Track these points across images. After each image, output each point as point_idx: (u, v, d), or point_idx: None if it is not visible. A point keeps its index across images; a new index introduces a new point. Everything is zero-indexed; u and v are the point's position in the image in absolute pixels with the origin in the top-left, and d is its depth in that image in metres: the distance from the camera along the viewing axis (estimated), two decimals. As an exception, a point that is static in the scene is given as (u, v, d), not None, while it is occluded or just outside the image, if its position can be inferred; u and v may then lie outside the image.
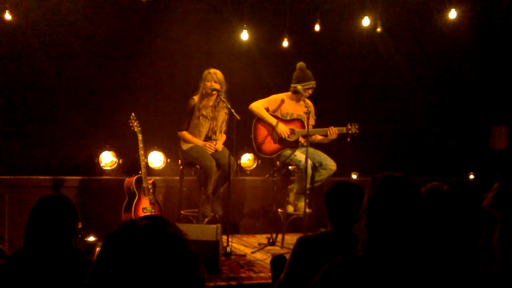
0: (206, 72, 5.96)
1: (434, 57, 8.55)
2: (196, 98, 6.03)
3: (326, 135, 6.14)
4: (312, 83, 6.08)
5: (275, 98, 6.28)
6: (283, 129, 6.11)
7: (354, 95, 8.19)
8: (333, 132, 6.10)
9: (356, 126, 6.17)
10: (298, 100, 6.19)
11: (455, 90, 8.67)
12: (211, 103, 6.01)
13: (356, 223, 2.69)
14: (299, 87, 6.02)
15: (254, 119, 6.22)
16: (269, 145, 6.19)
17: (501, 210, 2.80)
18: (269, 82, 7.28)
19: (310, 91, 6.11)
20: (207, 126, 6.04)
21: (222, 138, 6.17)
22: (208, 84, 5.90)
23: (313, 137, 6.21)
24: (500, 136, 8.61)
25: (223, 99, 5.79)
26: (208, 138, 6.08)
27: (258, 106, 6.19)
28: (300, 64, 6.15)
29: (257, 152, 6.24)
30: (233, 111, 5.59)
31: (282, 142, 6.16)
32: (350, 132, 6.17)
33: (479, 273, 2.60)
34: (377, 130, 8.12)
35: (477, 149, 8.59)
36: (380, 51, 8.16)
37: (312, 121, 6.20)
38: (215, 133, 6.09)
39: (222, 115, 6.07)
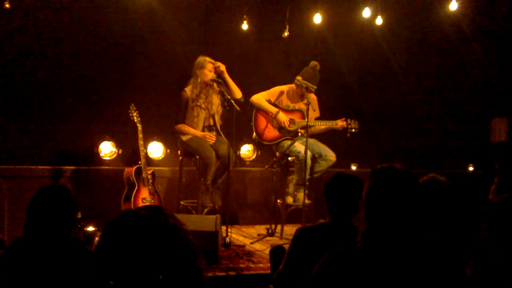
0: (202, 60, 5.93)
1: (435, 48, 8.53)
2: (187, 89, 6.00)
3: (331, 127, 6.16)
4: (311, 86, 6.09)
5: (277, 90, 6.28)
6: (283, 118, 6.12)
7: (354, 85, 8.17)
8: (340, 125, 6.12)
9: (356, 123, 6.18)
10: (301, 94, 6.15)
11: (455, 81, 8.66)
12: (203, 92, 5.97)
13: (355, 215, 2.69)
14: (299, 77, 6.02)
15: (254, 108, 6.22)
16: (269, 132, 6.20)
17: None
18: (269, 72, 7.25)
19: (310, 93, 6.14)
20: (204, 115, 6.02)
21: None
22: (209, 73, 5.88)
23: (316, 127, 6.23)
24: (500, 128, 8.60)
25: (222, 89, 5.77)
26: (208, 128, 6.06)
27: (259, 98, 6.20)
28: (314, 63, 6.12)
29: (258, 138, 6.25)
30: (232, 101, 5.57)
31: (282, 131, 6.17)
32: (349, 127, 6.18)
33: (478, 265, 2.60)
34: (377, 121, 8.12)
35: (477, 141, 8.59)
36: (381, 42, 8.13)
37: (315, 114, 6.20)
38: (213, 116, 6.07)
39: (216, 100, 6.05)
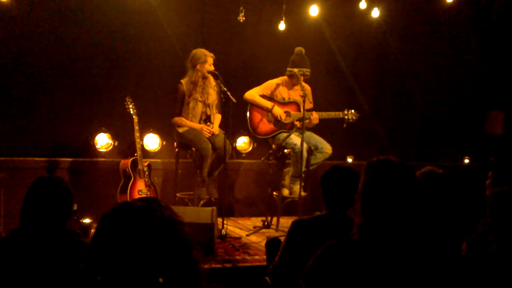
0: (202, 54, 5.90)
1: (431, 41, 8.53)
2: (184, 82, 5.99)
3: (309, 119, 6.11)
4: (306, 71, 6.06)
5: (270, 83, 6.27)
6: (278, 112, 6.12)
7: (350, 78, 8.17)
8: (314, 118, 6.09)
9: (353, 113, 6.17)
10: (294, 85, 6.18)
11: (451, 74, 8.66)
12: (199, 84, 5.97)
13: (351, 207, 2.70)
14: (295, 70, 6.01)
15: (249, 104, 6.22)
16: (265, 126, 6.21)
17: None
18: (265, 65, 7.23)
19: (301, 78, 6.09)
20: (200, 107, 6.02)
21: (217, 119, 6.16)
22: (209, 67, 5.88)
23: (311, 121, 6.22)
24: (496, 121, 8.62)
25: (219, 81, 5.75)
26: (206, 121, 6.06)
27: (253, 94, 6.20)
28: (298, 48, 6.12)
29: (253, 133, 6.26)
30: (229, 94, 5.56)
31: (277, 124, 6.18)
32: (346, 117, 6.17)
33: (475, 258, 2.61)
34: (373, 113, 8.12)
35: (472, 133, 8.60)
36: (378, 35, 8.12)
37: (309, 105, 6.18)
38: (209, 106, 6.05)
39: (213, 92, 6.04)
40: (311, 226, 3.16)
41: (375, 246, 2.06)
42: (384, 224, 2.07)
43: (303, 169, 5.94)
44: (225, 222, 5.51)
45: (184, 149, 6.19)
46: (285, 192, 6.19)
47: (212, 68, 5.90)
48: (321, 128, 6.33)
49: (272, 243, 3.79)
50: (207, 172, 5.98)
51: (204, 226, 4.78)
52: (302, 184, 5.88)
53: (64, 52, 6.71)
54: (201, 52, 5.93)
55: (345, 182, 3.09)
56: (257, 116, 6.21)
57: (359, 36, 8.10)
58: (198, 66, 5.92)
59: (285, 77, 6.25)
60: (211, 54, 5.94)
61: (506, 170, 3.56)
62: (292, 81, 6.16)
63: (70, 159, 6.45)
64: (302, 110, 5.78)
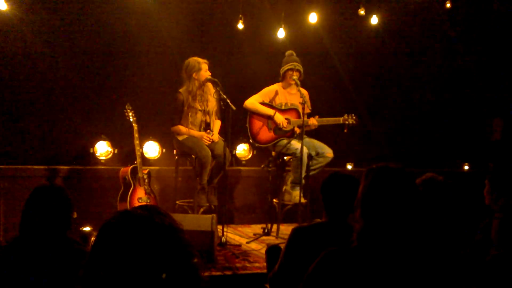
0: (196, 62, 5.89)
1: (430, 48, 8.54)
2: (182, 91, 5.98)
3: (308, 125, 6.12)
4: (294, 65, 6.06)
5: (269, 90, 6.27)
6: (280, 119, 6.11)
7: (350, 85, 8.18)
8: (312, 124, 6.09)
9: (354, 117, 6.17)
10: (291, 89, 6.17)
11: (451, 81, 8.67)
12: (198, 93, 5.96)
13: (351, 214, 2.69)
14: (284, 67, 6.05)
15: (248, 111, 6.22)
16: (265, 134, 6.19)
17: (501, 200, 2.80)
18: (264, 72, 7.24)
19: (292, 73, 6.08)
20: (200, 116, 6.01)
21: (217, 125, 6.15)
22: (205, 73, 5.88)
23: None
24: (494, 128, 8.62)
25: (218, 88, 5.75)
26: (205, 129, 6.05)
27: (253, 102, 6.19)
28: (288, 51, 6.17)
29: (253, 141, 6.26)
30: (228, 101, 5.56)
31: (278, 131, 6.17)
32: (346, 123, 6.16)
33: (474, 264, 2.61)
34: (373, 120, 8.12)
35: (472, 140, 8.60)
36: (377, 41, 8.14)
37: (307, 110, 6.17)
38: (208, 113, 6.05)
39: (212, 99, 6.03)
40: (311, 233, 3.15)
41: (374, 253, 2.06)
42: (384, 230, 2.07)
43: (303, 174, 5.93)
44: (225, 229, 5.51)
45: (184, 157, 6.18)
46: (286, 197, 6.18)
47: (208, 73, 5.90)
48: (320, 135, 6.34)
49: (272, 250, 3.78)
50: (206, 179, 5.97)
51: (204, 233, 4.78)
52: (302, 191, 5.88)
53: (63, 60, 6.72)
54: (194, 60, 5.92)
55: (345, 189, 3.08)
56: (257, 124, 6.20)
57: (358, 42, 8.11)
58: (194, 75, 5.91)
59: (281, 83, 6.25)
60: (205, 60, 5.93)
61: (502, 177, 3.56)
62: (288, 83, 6.15)
63: (69, 167, 6.45)
64: (301, 116, 5.78)
